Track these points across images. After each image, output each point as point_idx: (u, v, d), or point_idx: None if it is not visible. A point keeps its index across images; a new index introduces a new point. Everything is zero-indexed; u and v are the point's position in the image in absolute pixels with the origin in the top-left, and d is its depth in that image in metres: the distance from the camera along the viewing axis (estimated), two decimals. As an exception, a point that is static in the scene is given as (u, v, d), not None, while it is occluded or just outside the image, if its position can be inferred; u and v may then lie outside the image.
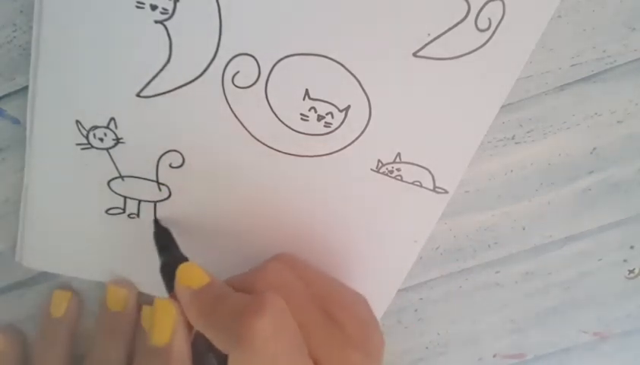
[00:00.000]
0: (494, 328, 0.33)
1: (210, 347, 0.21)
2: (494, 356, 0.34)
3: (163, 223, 0.28)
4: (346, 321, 0.24)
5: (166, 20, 0.23)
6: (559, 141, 0.27)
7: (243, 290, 0.22)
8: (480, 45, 0.23)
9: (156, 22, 0.23)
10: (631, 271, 0.31)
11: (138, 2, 0.22)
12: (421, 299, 0.31)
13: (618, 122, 0.26)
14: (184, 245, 0.28)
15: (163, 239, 0.26)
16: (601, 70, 0.25)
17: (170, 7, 0.22)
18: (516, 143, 0.27)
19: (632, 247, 0.30)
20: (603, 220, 0.29)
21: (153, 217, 0.28)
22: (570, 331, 0.33)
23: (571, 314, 0.32)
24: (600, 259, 0.31)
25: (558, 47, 0.24)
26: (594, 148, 0.27)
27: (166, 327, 0.21)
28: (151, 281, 0.30)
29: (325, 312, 0.23)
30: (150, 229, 0.28)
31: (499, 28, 0.22)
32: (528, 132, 0.26)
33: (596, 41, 0.24)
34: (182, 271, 0.23)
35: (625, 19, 0.24)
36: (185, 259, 0.25)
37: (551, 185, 0.28)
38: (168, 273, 0.24)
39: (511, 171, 0.28)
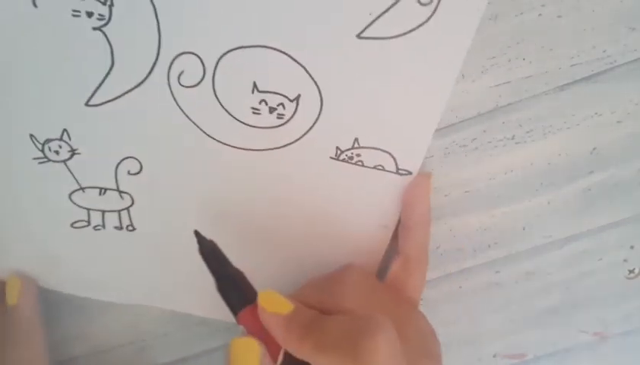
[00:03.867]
0: (494, 328, 0.33)
1: None
2: (494, 356, 0.34)
3: (146, 229, 0.28)
4: (412, 332, 0.25)
5: (103, 25, 0.22)
6: (559, 141, 0.27)
7: (324, 307, 0.23)
8: (424, 20, 0.22)
9: (94, 29, 0.22)
10: (631, 271, 0.31)
11: (74, 11, 0.22)
12: (421, 299, 0.31)
13: (618, 122, 0.26)
14: (154, 250, 0.28)
15: (211, 254, 0.25)
16: (601, 70, 0.25)
17: (106, 13, 0.22)
18: (516, 143, 0.27)
19: (632, 247, 0.30)
20: (603, 220, 0.29)
21: (128, 223, 0.28)
22: (570, 331, 0.33)
23: (571, 314, 0.32)
24: (600, 259, 0.31)
25: (558, 47, 0.24)
26: (594, 148, 0.27)
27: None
28: (128, 291, 0.30)
29: (397, 325, 0.24)
30: (115, 238, 0.28)
31: (442, 0, 0.21)
32: (528, 132, 0.26)
33: (596, 41, 0.24)
34: (264, 298, 0.23)
35: (625, 19, 0.24)
36: (241, 274, 0.24)
37: (551, 185, 0.28)
38: (227, 292, 0.24)
39: (511, 171, 0.27)
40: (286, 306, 0.23)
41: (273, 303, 0.23)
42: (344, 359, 0.20)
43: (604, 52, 0.24)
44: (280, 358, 0.22)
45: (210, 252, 0.25)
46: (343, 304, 0.24)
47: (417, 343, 0.24)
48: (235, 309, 0.24)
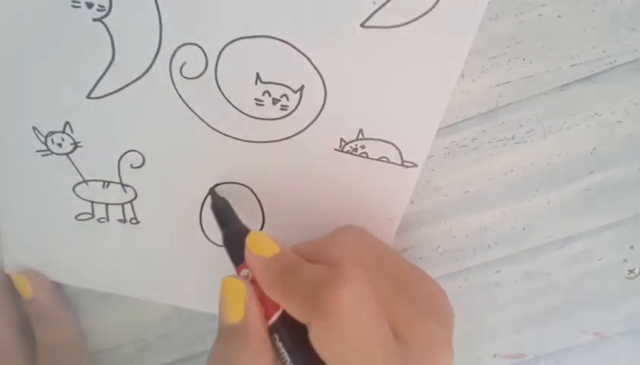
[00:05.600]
0: (494, 328, 0.33)
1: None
2: (494, 356, 0.34)
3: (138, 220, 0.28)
4: (417, 291, 0.24)
5: (104, 17, 0.22)
6: (559, 141, 0.27)
7: (314, 260, 0.23)
8: (429, 7, 0.22)
9: (94, 20, 0.22)
10: (631, 271, 0.31)
11: (74, 2, 0.22)
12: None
13: (618, 122, 0.26)
14: (157, 244, 0.28)
15: (222, 210, 0.26)
16: (601, 70, 0.25)
17: (106, 4, 0.22)
18: (516, 143, 0.27)
19: (632, 247, 0.30)
20: (603, 220, 0.29)
21: (132, 216, 0.28)
22: (570, 331, 0.33)
23: (571, 314, 0.32)
24: (600, 259, 0.31)
25: (558, 47, 0.24)
26: (594, 148, 0.27)
27: (238, 304, 0.22)
28: (131, 284, 0.30)
29: (396, 282, 0.23)
30: (119, 231, 0.28)
31: None
32: (528, 132, 0.26)
33: (596, 41, 0.24)
34: (251, 239, 0.23)
35: (625, 19, 0.24)
36: (248, 231, 0.24)
37: (551, 185, 0.28)
38: (231, 245, 0.24)
39: (511, 171, 0.27)
40: (272, 249, 0.23)
41: (260, 245, 0.23)
42: (307, 307, 0.20)
43: (604, 52, 0.24)
44: (278, 314, 0.22)
45: (220, 208, 0.26)
46: (328, 256, 0.23)
47: (425, 304, 0.23)
48: (236, 262, 0.24)
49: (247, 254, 0.23)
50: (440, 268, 0.30)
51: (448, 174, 0.27)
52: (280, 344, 0.21)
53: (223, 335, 0.22)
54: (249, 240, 0.23)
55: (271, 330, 0.22)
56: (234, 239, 0.24)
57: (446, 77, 0.23)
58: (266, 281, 0.22)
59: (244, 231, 0.24)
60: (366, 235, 0.26)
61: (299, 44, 0.23)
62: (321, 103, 0.24)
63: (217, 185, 0.27)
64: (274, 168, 0.26)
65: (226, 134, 0.25)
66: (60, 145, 0.26)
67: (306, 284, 0.21)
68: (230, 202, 0.26)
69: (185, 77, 0.24)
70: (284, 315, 0.21)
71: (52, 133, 0.25)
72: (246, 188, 0.27)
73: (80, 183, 0.27)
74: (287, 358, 0.21)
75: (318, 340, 0.20)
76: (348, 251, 0.24)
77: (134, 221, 0.28)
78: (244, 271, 0.23)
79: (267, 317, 0.22)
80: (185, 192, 0.27)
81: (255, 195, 0.27)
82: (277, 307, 0.22)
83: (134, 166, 0.26)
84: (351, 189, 0.27)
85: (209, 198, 0.27)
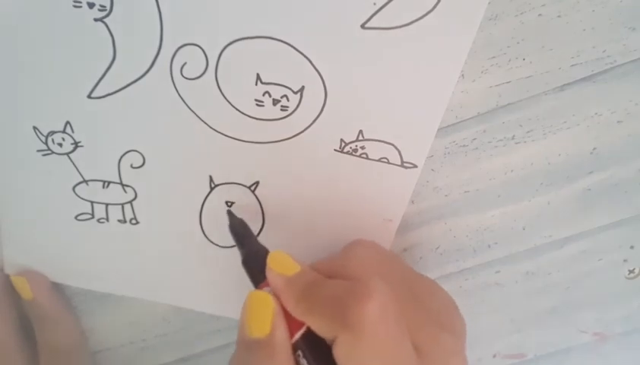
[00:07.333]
0: (494, 328, 0.33)
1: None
2: (494, 356, 0.34)
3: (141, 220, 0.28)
4: (431, 302, 0.24)
5: (105, 17, 0.22)
6: (559, 141, 0.27)
7: (333, 276, 0.23)
8: (430, 8, 0.22)
9: (95, 20, 0.22)
10: (631, 271, 0.31)
11: (75, 2, 0.22)
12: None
13: (618, 122, 0.26)
14: (157, 245, 0.28)
15: (240, 230, 0.26)
16: (601, 70, 0.25)
17: (107, 4, 0.22)
18: (516, 143, 0.27)
19: (632, 247, 0.30)
20: (603, 220, 0.29)
21: (132, 216, 0.28)
22: (570, 331, 0.33)
23: (571, 314, 0.32)
24: (600, 259, 0.31)
25: (558, 47, 0.24)
26: (594, 148, 0.27)
27: (265, 318, 0.21)
28: (131, 284, 0.30)
29: (411, 294, 0.23)
30: (118, 231, 0.28)
31: None
32: (528, 132, 0.26)
33: (596, 41, 0.24)
34: (272, 258, 0.23)
35: (625, 19, 0.24)
36: (266, 250, 0.24)
37: (551, 185, 0.28)
38: (250, 265, 0.24)
39: (511, 171, 0.27)
40: (292, 267, 0.23)
41: (281, 264, 0.23)
42: (333, 322, 0.20)
43: (604, 52, 0.24)
44: (302, 331, 0.21)
45: (238, 228, 0.26)
46: (348, 272, 0.23)
47: (439, 316, 0.24)
48: (256, 281, 0.24)
49: (269, 272, 0.23)
50: (440, 268, 0.30)
51: (448, 174, 0.27)
52: (303, 362, 0.21)
53: (245, 349, 0.22)
54: (270, 259, 0.23)
55: (294, 347, 0.22)
56: (253, 258, 0.24)
57: (446, 77, 0.24)
58: (290, 299, 0.22)
59: (262, 251, 0.24)
60: (378, 247, 0.26)
61: (299, 45, 0.23)
62: (322, 103, 0.24)
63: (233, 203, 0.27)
64: (273, 169, 0.26)
65: (226, 135, 0.25)
66: (60, 145, 0.26)
67: (331, 299, 0.21)
68: (231, 203, 0.26)
69: (186, 78, 0.24)
70: (307, 333, 0.21)
71: (52, 133, 0.25)
72: (246, 189, 0.27)
73: (80, 183, 0.27)
74: None
75: (343, 354, 0.20)
76: (366, 264, 0.24)
77: (133, 222, 0.28)
78: (265, 289, 0.23)
79: (289, 334, 0.22)
80: (185, 192, 0.27)
81: (255, 195, 0.27)
82: (298, 325, 0.22)
83: (134, 166, 0.26)
84: (351, 190, 0.27)
85: (205, 200, 0.27)
